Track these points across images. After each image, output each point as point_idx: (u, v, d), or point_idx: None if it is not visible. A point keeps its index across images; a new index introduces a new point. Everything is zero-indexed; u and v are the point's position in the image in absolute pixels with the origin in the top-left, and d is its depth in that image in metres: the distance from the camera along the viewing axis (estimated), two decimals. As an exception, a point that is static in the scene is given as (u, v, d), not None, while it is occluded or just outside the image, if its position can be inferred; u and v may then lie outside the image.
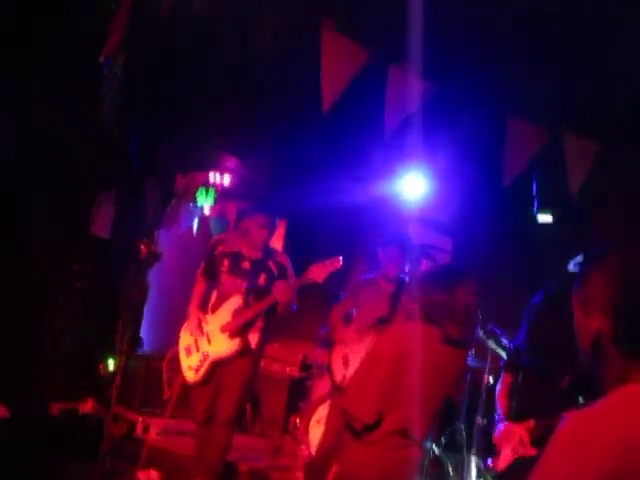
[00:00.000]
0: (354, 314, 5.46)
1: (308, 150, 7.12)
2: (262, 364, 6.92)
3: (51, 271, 6.33)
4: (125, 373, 6.33)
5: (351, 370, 5.22)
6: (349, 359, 5.34)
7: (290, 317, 5.56)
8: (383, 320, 5.09)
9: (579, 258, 5.23)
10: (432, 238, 7.42)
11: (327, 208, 7.48)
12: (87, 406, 6.43)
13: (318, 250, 5.37)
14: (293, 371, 7.41)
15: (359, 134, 6.48)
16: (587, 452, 1.44)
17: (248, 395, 5.92)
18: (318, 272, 5.07)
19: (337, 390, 5.33)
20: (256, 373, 5.64)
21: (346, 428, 3.44)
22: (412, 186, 6.73)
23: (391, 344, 3.45)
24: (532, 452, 3.92)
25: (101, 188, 6.76)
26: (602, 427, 1.48)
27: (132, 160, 6.90)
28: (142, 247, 6.41)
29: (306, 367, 7.35)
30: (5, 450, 4.48)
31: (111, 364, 6.63)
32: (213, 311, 5.42)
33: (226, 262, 5.44)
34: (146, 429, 6.28)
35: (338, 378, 5.35)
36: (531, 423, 3.99)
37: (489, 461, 4.36)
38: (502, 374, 4.46)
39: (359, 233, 7.18)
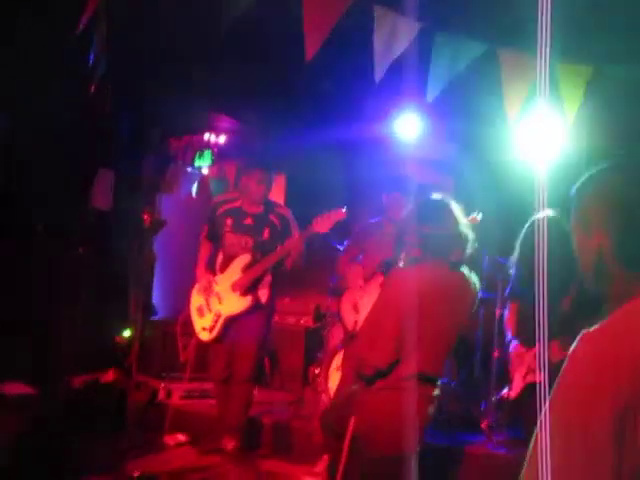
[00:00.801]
0: (361, 260, 5.46)
1: (300, 101, 7.06)
2: (276, 318, 7.01)
3: (57, 249, 6.34)
4: (142, 341, 6.44)
5: (362, 315, 5.25)
6: (358, 305, 5.37)
7: (299, 270, 5.60)
8: (389, 263, 5.08)
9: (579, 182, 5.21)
10: (432, 177, 7.37)
11: (325, 158, 7.45)
12: (108, 377, 6.48)
13: (320, 202, 5.35)
14: (307, 322, 7.45)
15: (350, 79, 6.41)
16: (603, 371, 1.46)
17: (265, 350, 5.99)
18: (322, 223, 5.11)
19: (349, 337, 5.37)
20: (270, 328, 5.71)
21: (358, 377, 3.45)
22: (407, 126, 6.65)
23: (401, 287, 3.43)
24: (540, 378, 3.94)
25: (99, 164, 6.70)
26: (614, 345, 1.50)
27: (124, 131, 6.84)
28: (145, 216, 6.42)
29: (320, 317, 7.37)
30: (32, 426, 4.51)
31: (127, 334, 6.63)
32: (221, 271, 5.49)
33: (229, 221, 5.48)
34: (169, 394, 6.35)
35: (350, 325, 5.39)
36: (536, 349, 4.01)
37: (504, 391, 4.41)
38: (508, 303, 4.48)
39: (358, 181, 7.13)
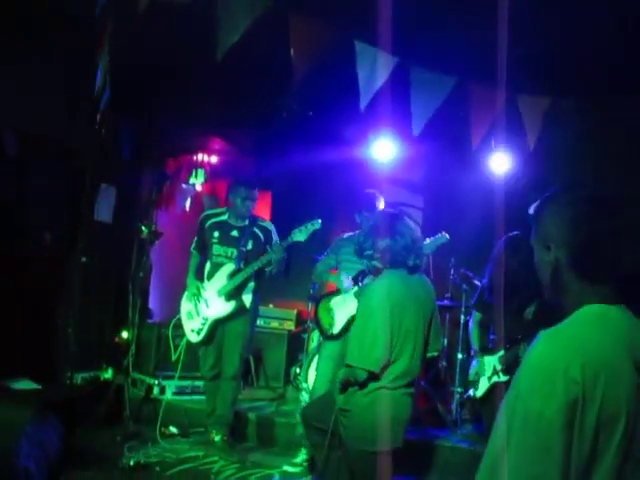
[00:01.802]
0: (336, 269, 5.45)
1: (286, 126, 7.07)
2: (261, 322, 7.08)
3: (63, 255, 6.31)
4: (139, 342, 6.43)
5: (337, 318, 5.23)
6: (333, 309, 5.35)
7: (280, 279, 5.61)
8: (363, 273, 5.09)
9: (535, 204, 5.25)
10: (404, 196, 7.40)
11: (307, 178, 7.48)
12: (107, 374, 6.51)
13: (301, 216, 5.33)
14: (290, 326, 7.49)
15: (331, 107, 6.44)
16: (556, 365, 1.48)
17: (249, 351, 6.02)
18: (300, 234, 5.13)
19: (326, 337, 5.36)
20: (254, 330, 5.71)
21: (349, 381, 3.42)
22: (383, 150, 6.69)
23: (377, 297, 3.43)
24: (504, 378, 3.96)
25: (101, 180, 6.68)
26: (566, 342, 1.54)
27: (126, 151, 6.83)
28: (143, 228, 6.40)
29: (301, 322, 7.39)
30: (37, 418, 4.46)
31: (125, 335, 6.60)
32: (209, 278, 5.51)
33: (216, 233, 5.52)
34: (162, 390, 6.34)
35: (326, 327, 5.36)
36: (501, 352, 4.03)
37: (470, 391, 4.40)
38: (472, 312, 4.50)
39: (336, 197, 7.17)
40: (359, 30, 5.13)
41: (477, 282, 5.95)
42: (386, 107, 5.64)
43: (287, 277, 5.63)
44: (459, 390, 5.89)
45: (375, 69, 5.24)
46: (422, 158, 7.38)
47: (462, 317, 6.14)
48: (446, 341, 6.35)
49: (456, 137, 6.74)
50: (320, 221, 5.15)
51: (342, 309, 5.23)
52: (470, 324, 4.42)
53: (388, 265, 3.50)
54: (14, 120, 5.71)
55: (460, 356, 6.05)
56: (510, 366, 3.89)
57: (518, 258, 3.85)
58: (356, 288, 5.12)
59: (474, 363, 4.26)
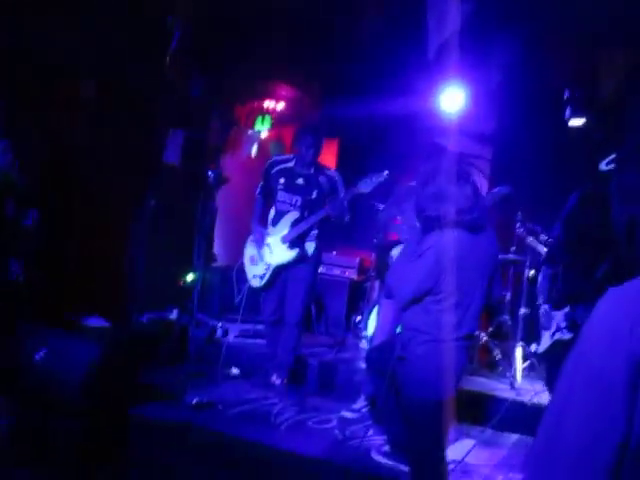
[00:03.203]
0: (398, 220, 5.39)
1: (355, 73, 6.99)
2: (323, 270, 7.11)
3: (132, 197, 6.43)
4: (203, 284, 6.46)
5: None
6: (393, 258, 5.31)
7: (344, 227, 5.60)
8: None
9: (610, 158, 5.09)
10: (472, 148, 7.26)
11: (375, 126, 7.39)
12: (173, 315, 6.64)
13: (368, 165, 5.31)
14: (351, 274, 7.49)
15: (402, 54, 6.33)
16: (620, 322, 1.43)
17: (311, 298, 6.04)
18: (366, 185, 5.07)
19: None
20: (316, 277, 5.75)
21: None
22: (452, 99, 6.58)
23: (436, 249, 3.39)
24: (568, 336, 3.90)
25: (170, 124, 6.76)
26: (633, 301, 1.46)
27: (194, 96, 6.86)
28: (209, 172, 6.45)
29: (364, 270, 7.40)
30: (106, 354, 4.62)
31: (191, 278, 6.73)
32: (273, 225, 5.54)
33: (281, 180, 5.51)
34: (225, 332, 6.46)
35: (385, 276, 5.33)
36: (567, 309, 3.96)
37: (532, 346, 4.37)
38: (542, 267, 4.42)
39: (404, 147, 7.04)
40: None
41: (544, 236, 5.82)
42: (455, 56, 5.51)
43: (351, 225, 5.59)
44: (521, 344, 5.84)
45: (445, 16, 5.12)
46: (493, 110, 7.23)
47: (526, 271, 6.04)
48: (509, 295, 6.31)
49: (528, 88, 6.57)
50: (386, 173, 5.08)
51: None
52: (539, 278, 4.35)
53: (445, 224, 3.43)
54: (89, 65, 5.79)
55: (523, 310, 5.98)
56: (574, 324, 3.83)
57: (590, 213, 3.76)
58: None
59: (538, 316, 4.21)
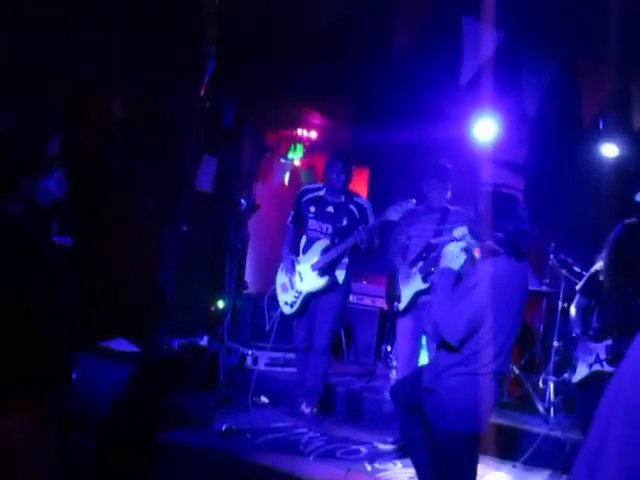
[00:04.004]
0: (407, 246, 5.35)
1: (387, 98, 7.02)
2: (353, 299, 7.13)
3: (164, 222, 6.49)
4: (234, 311, 6.49)
5: (403, 294, 5.15)
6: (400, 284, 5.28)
7: (374, 255, 5.58)
8: (429, 249, 5.01)
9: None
10: (504, 177, 7.22)
11: (406, 153, 7.40)
12: (203, 341, 6.67)
13: (399, 193, 5.27)
14: (382, 303, 7.36)
15: (434, 83, 6.35)
16: None
17: (340, 325, 6.06)
18: (395, 212, 5.06)
19: (394, 314, 5.33)
20: (346, 305, 5.76)
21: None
22: (485, 127, 6.56)
23: (484, 277, 3.33)
24: (609, 369, 3.82)
25: (204, 150, 6.83)
26: None
27: (227, 122, 6.94)
28: (242, 200, 6.49)
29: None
30: (135, 378, 4.63)
31: (222, 304, 6.76)
32: (304, 252, 5.59)
33: (312, 208, 5.57)
34: (255, 360, 6.47)
35: (393, 302, 5.31)
36: (609, 342, 3.90)
37: (565, 375, 4.28)
38: (577, 297, 4.36)
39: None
40: (465, 4, 5.02)
41: (577, 268, 5.76)
42: (489, 84, 5.51)
43: (380, 253, 5.58)
44: (553, 377, 5.74)
45: (480, 44, 5.12)
46: (524, 138, 7.20)
47: (559, 303, 5.96)
48: (541, 327, 6.23)
49: (562, 118, 6.54)
50: (414, 201, 5.07)
51: (407, 284, 5.16)
52: (572, 309, 4.30)
53: (503, 249, 3.40)
54: (122, 85, 5.87)
55: (556, 343, 5.88)
56: (616, 357, 3.75)
57: (635, 245, 3.75)
58: (421, 263, 5.04)
59: (575, 348, 4.15)
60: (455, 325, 3.28)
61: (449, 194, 5.20)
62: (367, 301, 7.46)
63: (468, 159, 6.66)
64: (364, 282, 7.53)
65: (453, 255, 3.50)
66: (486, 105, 6.34)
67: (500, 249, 3.36)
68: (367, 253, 5.42)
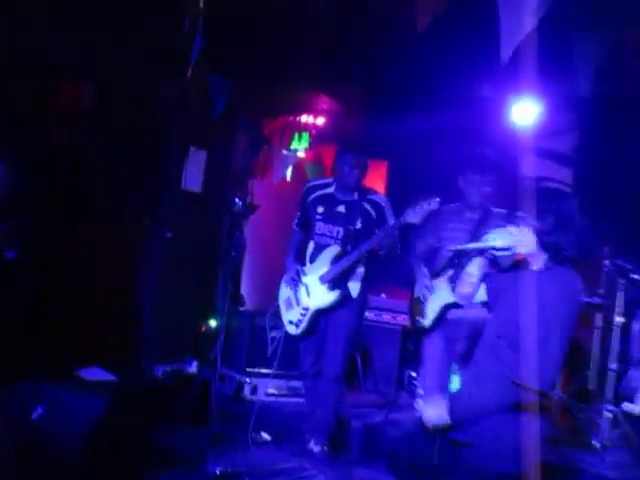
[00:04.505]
0: (436, 251, 5.37)
1: (409, 80, 7.03)
2: (371, 315, 7.16)
3: (145, 228, 6.54)
4: (228, 332, 6.47)
5: (428, 307, 5.16)
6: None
7: (395, 264, 5.60)
8: (460, 255, 5.03)
9: None
10: (549, 170, 7.23)
11: (431, 144, 7.39)
12: (192, 367, 6.69)
13: (422, 190, 5.27)
14: (405, 321, 7.25)
15: (462, 62, 6.36)
16: None
17: (355, 348, 6.09)
18: (414, 214, 5.05)
19: (417, 332, 5.35)
20: (361, 324, 5.76)
21: None
22: (525, 112, 6.61)
23: (561, 295, 3.37)
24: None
25: (190, 143, 6.89)
26: None
27: (218, 110, 6.96)
28: (236, 200, 6.52)
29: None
30: (112, 412, 4.67)
31: (213, 324, 6.82)
32: (311, 261, 5.59)
33: (320, 208, 5.57)
34: (254, 389, 6.49)
35: (417, 318, 5.34)
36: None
37: (624, 405, 4.28)
38: (637, 313, 4.37)
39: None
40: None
41: (637, 276, 5.75)
42: (531, 60, 5.52)
43: (402, 261, 5.59)
44: (610, 408, 5.73)
45: (520, 15, 5.15)
46: (573, 124, 7.21)
47: (617, 318, 5.94)
48: (596, 347, 6.22)
49: (619, 99, 6.54)
50: (438, 200, 5.04)
51: (433, 296, 5.17)
52: (635, 325, 4.30)
53: (559, 260, 3.42)
54: (95, 70, 5.91)
55: (613, 366, 5.87)
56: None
57: None
58: (450, 271, 5.07)
59: (635, 373, 4.15)
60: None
61: (488, 189, 5.22)
62: (387, 318, 7.46)
63: (506, 149, 6.65)
64: (383, 295, 7.53)
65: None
66: (527, 85, 6.35)
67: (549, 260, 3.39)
68: (387, 261, 5.43)
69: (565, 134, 7.34)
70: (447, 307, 5.09)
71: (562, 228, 3.39)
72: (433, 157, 7.63)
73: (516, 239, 3.50)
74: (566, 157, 7.48)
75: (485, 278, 3.79)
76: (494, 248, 3.53)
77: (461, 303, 4.82)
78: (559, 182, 7.21)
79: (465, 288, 4.96)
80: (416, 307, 5.43)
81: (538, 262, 3.51)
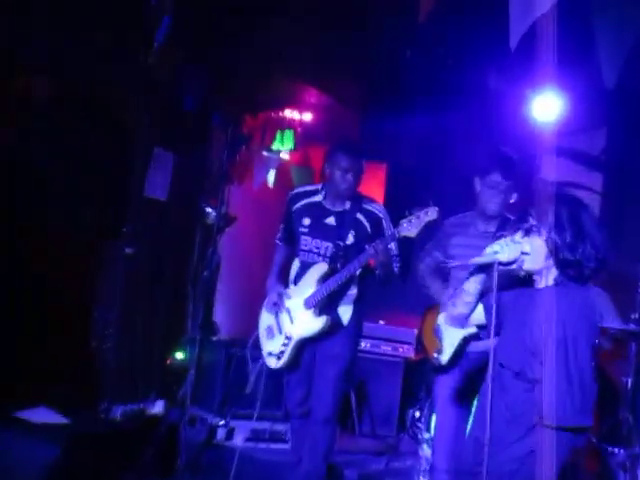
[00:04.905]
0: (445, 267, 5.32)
1: (409, 75, 7.06)
2: (367, 346, 7.22)
3: (101, 243, 6.55)
4: (200, 366, 6.39)
5: (445, 341, 5.11)
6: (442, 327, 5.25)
7: (395, 284, 5.56)
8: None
9: None
10: (574, 174, 7.23)
11: (435, 145, 7.40)
12: (157, 408, 6.67)
13: (426, 197, 5.24)
14: (407, 352, 7.48)
15: (470, 51, 6.39)
16: None
17: (349, 384, 6.05)
18: (409, 225, 5.00)
19: (434, 368, 5.29)
20: (355, 355, 5.67)
21: None
22: (545, 107, 6.65)
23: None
24: None
25: (155, 143, 6.90)
26: None
27: (188, 104, 6.98)
28: (209, 210, 6.49)
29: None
30: (63, 459, 4.62)
31: (182, 356, 6.86)
32: (295, 282, 5.54)
33: (306, 220, 5.51)
34: (230, 434, 6.50)
35: (432, 353, 5.28)
36: None
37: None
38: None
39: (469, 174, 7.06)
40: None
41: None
42: (549, 47, 5.52)
43: (404, 281, 5.55)
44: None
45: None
46: (602, 120, 7.25)
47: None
48: (630, 382, 6.20)
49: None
50: (437, 210, 4.98)
51: (451, 326, 5.12)
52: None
53: (572, 277, 3.51)
54: (43, 59, 5.89)
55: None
56: None
57: None
58: (451, 290, 5.02)
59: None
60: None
61: (514, 197, 5.15)
62: (386, 348, 7.47)
63: (523, 148, 6.64)
64: (382, 322, 7.55)
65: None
66: (546, 76, 6.36)
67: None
68: (385, 281, 5.38)
69: (590, 132, 7.39)
70: (467, 339, 5.01)
71: (582, 242, 3.39)
72: (440, 160, 7.62)
73: (525, 251, 3.50)
74: (592, 158, 7.49)
75: (482, 297, 3.76)
76: (500, 263, 3.52)
77: (452, 325, 4.77)
78: (585, 188, 7.22)
79: (459, 308, 4.90)
80: (429, 339, 5.36)
81: (547, 279, 3.51)
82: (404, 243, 5.26)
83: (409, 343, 7.47)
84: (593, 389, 3.55)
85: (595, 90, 6.49)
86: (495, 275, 3.49)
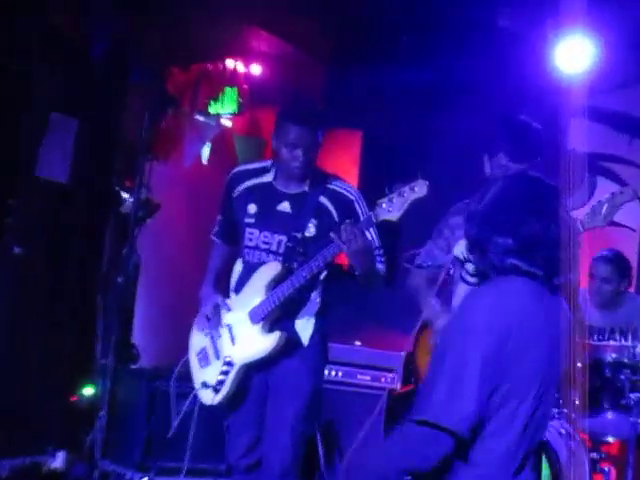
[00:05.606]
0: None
1: (394, 20, 7.13)
2: (337, 374, 7.26)
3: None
4: (114, 405, 6.45)
5: None
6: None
7: (374, 292, 5.60)
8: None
9: None
10: (610, 143, 7.21)
11: (425, 107, 7.44)
12: (56, 461, 6.58)
13: (410, 170, 5.21)
14: (391, 382, 7.47)
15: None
16: None
17: (313, 424, 5.99)
18: (391, 207, 4.93)
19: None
20: (320, 385, 5.60)
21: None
22: (575, 56, 6.70)
23: (483, 315, 3.39)
24: None
25: (52, 106, 6.89)
26: None
27: (97, 52, 6.93)
28: (125, 195, 6.46)
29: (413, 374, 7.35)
30: None
31: (90, 391, 6.81)
32: (237, 290, 5.47)
33: (252, 207, 5.43)
34: (153, 496, 6.52)
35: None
36: None
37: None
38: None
39: (474, 141, 7.03)
40: None
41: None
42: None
43: (390, 285, 5.51)
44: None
45: None
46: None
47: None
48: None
49: None
50: (426, 184, 4.90)
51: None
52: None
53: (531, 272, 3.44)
54: None
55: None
56: None
57: None
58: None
59: None
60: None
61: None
62: (363, 378, 7.47)
63: (545, 111, 6.64)
64: (357, 343, 7.56)
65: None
66: (575, 15, 6.38)
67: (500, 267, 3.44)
68: (366, 285, 5.36)
69: (631, 88, 7.51)
70: None
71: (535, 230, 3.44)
72: (433, 126, 7.71)
73: None
74: (633, 122, 7.51)
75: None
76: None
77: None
78: (624, 161, 7.26)
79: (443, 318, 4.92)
80: (427, 365, 5.33)
81: None
82: (388, 232, 5.21)
83: (393, 370, 7.45)
84: None
85: (637, 34, 6.53)
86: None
